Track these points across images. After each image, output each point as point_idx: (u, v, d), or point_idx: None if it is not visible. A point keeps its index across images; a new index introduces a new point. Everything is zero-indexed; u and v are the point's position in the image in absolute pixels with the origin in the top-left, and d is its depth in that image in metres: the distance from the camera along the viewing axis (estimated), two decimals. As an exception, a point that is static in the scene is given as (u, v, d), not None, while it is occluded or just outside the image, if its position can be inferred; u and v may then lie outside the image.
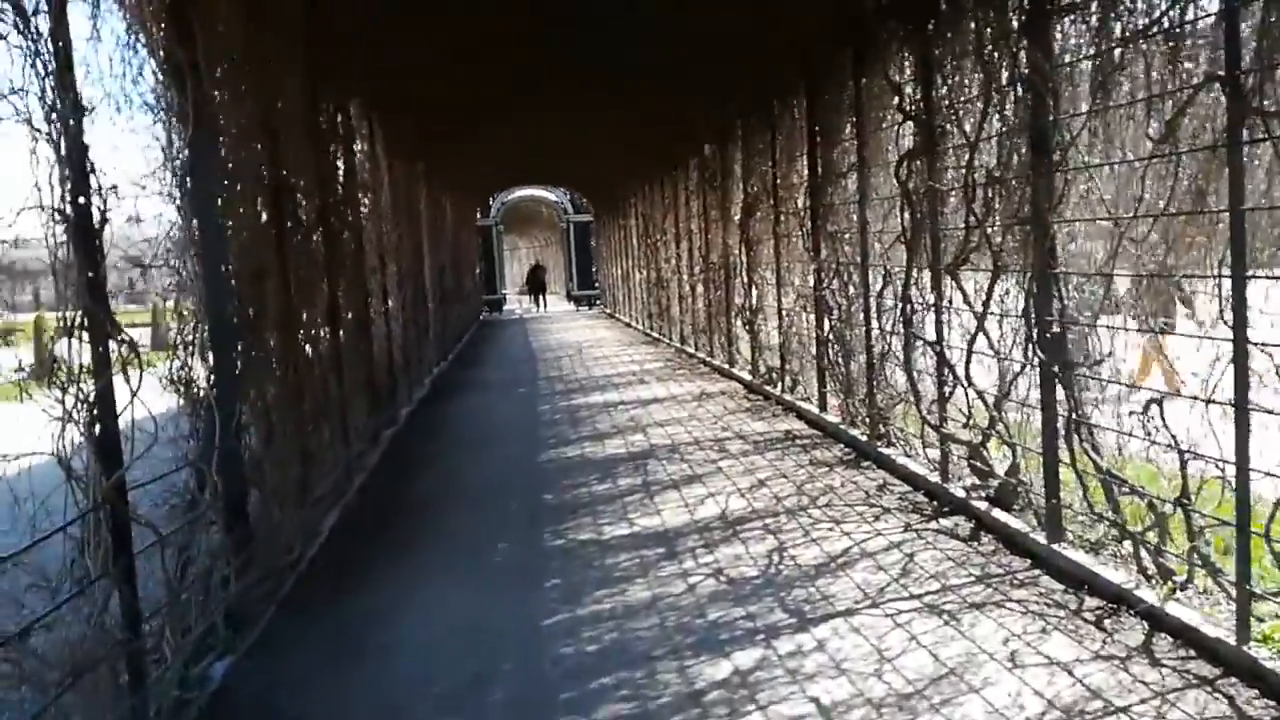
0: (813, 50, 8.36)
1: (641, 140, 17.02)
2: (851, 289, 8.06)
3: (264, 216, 5.37)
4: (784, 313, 10.20)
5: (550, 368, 15.92)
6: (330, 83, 7.38)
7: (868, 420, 7.73)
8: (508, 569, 5.53)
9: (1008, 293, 5.48)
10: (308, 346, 6.31)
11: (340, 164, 7.94)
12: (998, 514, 5.57)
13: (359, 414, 7.96)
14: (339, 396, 7.07)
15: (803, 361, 9.80)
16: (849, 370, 8.20)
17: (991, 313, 5.64)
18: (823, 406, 8.99)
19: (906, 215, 6.59)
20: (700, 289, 14.84)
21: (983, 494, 5.94)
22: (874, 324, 7.49)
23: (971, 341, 5.83)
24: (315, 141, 6.95)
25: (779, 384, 10.53)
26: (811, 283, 9.06)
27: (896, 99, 6.72)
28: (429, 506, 6.95)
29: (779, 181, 10.08)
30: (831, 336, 8.59)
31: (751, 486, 6.92)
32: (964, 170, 5.81)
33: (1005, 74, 5.27)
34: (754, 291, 11.48)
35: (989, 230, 5.49)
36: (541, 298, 37.03)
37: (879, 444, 7.49)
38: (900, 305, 6.84)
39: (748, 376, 11.94)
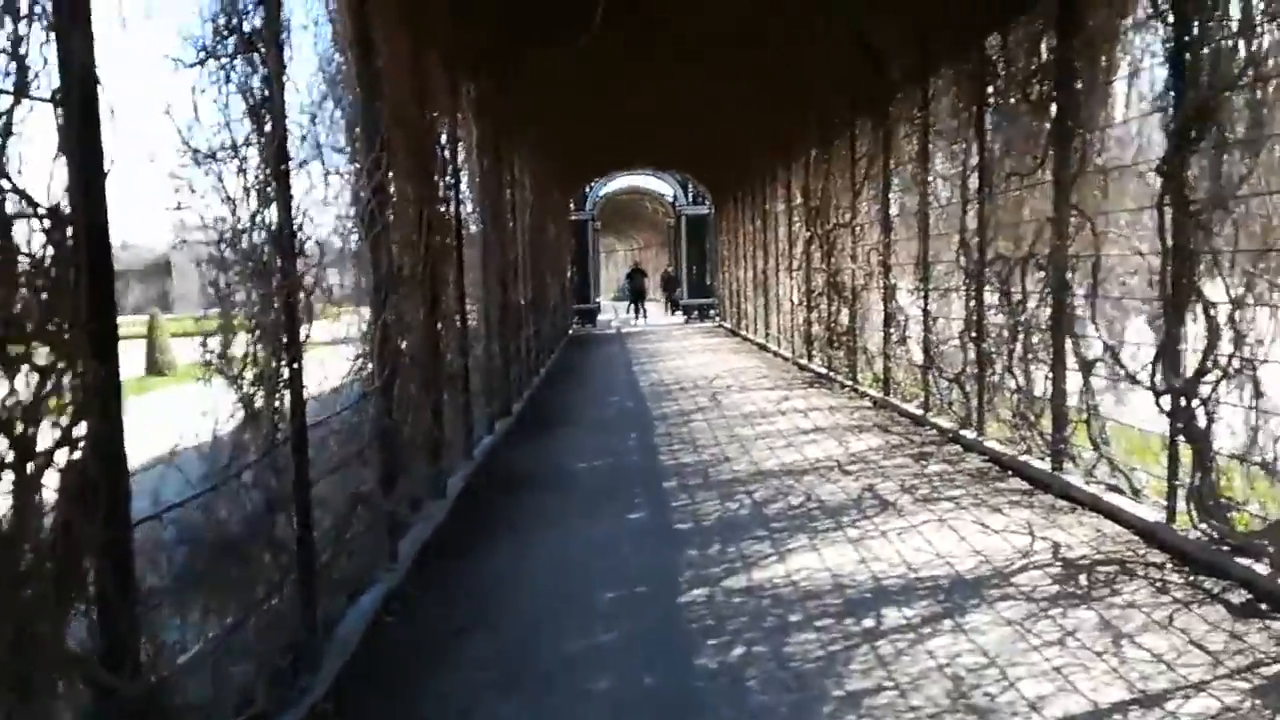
0: None
1: (810, 77, 10.65)
2: None
3: None
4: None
5: (676, 436, 9.44)
6: None
7: None
8: None
9: None
10: None
11: None
12: None
13: None
14: None
15: None
16: None
17: None
18: None
19: None
20: (952, 305, 8.34)
21: None
22: None
23: None
24: None
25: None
26: None
27: None
28: None
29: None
30: None
31: None
32: None
33: None
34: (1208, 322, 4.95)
35: None
36: (641, 307, 31.22)
37: None
38: None
39: (1126, 504, 5.44)
